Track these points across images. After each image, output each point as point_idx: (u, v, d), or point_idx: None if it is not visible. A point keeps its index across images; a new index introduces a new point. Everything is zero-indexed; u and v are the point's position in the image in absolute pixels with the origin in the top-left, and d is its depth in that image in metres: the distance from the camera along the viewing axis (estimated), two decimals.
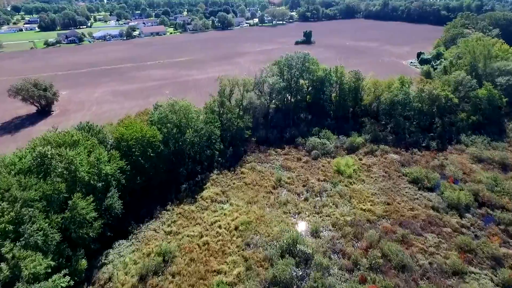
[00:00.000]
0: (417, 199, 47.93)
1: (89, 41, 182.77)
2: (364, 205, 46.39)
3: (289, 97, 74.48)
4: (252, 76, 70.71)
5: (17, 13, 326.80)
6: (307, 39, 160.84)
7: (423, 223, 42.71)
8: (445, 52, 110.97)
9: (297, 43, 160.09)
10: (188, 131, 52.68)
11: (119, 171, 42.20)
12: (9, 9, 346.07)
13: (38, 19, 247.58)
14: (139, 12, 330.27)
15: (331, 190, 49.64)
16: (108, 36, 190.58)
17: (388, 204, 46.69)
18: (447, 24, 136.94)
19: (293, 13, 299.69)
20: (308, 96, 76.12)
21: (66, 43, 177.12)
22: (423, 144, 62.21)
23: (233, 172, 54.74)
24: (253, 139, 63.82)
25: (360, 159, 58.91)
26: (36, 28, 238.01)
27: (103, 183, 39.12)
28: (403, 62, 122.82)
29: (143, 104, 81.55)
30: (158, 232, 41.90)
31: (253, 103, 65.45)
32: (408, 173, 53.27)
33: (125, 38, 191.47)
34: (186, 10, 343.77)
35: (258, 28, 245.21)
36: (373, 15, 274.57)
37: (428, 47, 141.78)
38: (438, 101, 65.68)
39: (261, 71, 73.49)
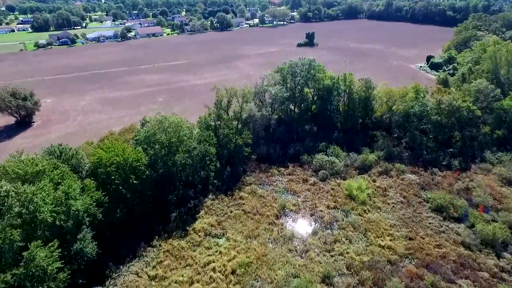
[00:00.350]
0: (444, 232, 41.32)
1: (82, 43, 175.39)
2: (382, 240, 39.82)
3: (292, 108, 67.84)
4: (252, 84, 64.30)
5: (11, 13, 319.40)
6: (310, 41, 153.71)
7: (455, 266, 36.10)
8: (457, 56, 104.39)
9: (299, 45, 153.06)
10: (179, 151, 46.14)
11: (95, 203, 35.61)
12: (3, 8, 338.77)
13: (31, 20, 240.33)
14: (136, 12, 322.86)
15: (343, 220, 43.14)
16: (102, 38, 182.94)
17: (411, 239, 40.10)
18: (457, 26, 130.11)
19: (294, 13, 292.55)
20: (313, 106, 69.40)
21: (58, 45, 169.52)
22: (444, 163, 55.61)
23: (230, 196, 48.19)
24: (253, 156, 57.14)
25: (374, 181, 52.29)
26: (29, 29, 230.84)
27: (72, 222, 32.46)
28: (412, 66, 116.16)
29: (133, 114, 74.98)
30: (141, 277, 35.33)
31: (253, 115, 58.82)
32: (430, 198, 46.72)
33: (119, 39, 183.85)
34: (184, 10, 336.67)
35: (258, 29, 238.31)
36: (376, 15, 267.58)
37: (437, 50, 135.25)
38: (459, 113, 59.01)
39: (262, 79, 67.02)
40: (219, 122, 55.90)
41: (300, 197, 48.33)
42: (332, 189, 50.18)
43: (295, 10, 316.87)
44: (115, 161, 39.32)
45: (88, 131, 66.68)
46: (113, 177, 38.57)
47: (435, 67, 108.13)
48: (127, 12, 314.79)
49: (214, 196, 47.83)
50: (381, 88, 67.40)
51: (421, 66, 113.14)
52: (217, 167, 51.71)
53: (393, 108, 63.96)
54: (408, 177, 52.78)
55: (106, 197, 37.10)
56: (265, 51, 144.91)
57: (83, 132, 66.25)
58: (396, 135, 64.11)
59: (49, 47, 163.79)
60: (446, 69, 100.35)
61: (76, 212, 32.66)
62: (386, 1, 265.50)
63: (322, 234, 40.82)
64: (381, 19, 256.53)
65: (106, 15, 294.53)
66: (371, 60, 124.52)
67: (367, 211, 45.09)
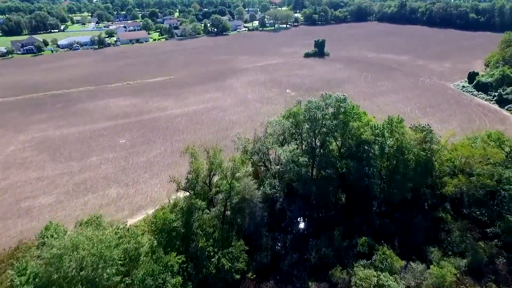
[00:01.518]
0: None
1: (51, 51, 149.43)
2: None
3: (309, 168, 44.46)
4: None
5: None
6: (319, 50, 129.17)
7: None
8: None
9: (307, 55, 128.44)
10: None
11: None
12: None
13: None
14: (125, 12, 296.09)
15: None
16: (76, 45, 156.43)
17: None
18: (506, 33, 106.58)
19: (298, 15, 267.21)
20: (341, 163, 45.84)
21: (21, 53, 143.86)
22: None
23: None
24: (248, 275, 33.59)
25: None
26: None
27: None
28: (451, 85, 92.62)
29: (77, 171, 51.56)
30: None
31: (249, 198, 35.43)
32: None
33: (96, 46, 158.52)
34: (178, 10, 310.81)
35: (258, 33, 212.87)
36: (387, 17, 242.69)
37: (474, 62, 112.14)
38: None
39: (264, 127, 44.12)
40: (192, 207, 32.83)
41: None
42: None
43: (298, 11, 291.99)
44: None
45: None
46: None
47: (483, 88, 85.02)
48: (115, 13, 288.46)
49: None
50: (445, 141, 44.34)
51: (463, 87, 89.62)
52: None
53: (471, 174, 40.96)
54: None
55: None
56: (266, 63, 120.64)
57: None
58: (466, 211, 41.96)
59: (9, 56, 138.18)
60: (503, 92, 77.35)
61: None
62: (399, 2, 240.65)
63: None
64: (393, 21, 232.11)
65: (91, 16, 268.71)
66: (397, 77, 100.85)
67: None
